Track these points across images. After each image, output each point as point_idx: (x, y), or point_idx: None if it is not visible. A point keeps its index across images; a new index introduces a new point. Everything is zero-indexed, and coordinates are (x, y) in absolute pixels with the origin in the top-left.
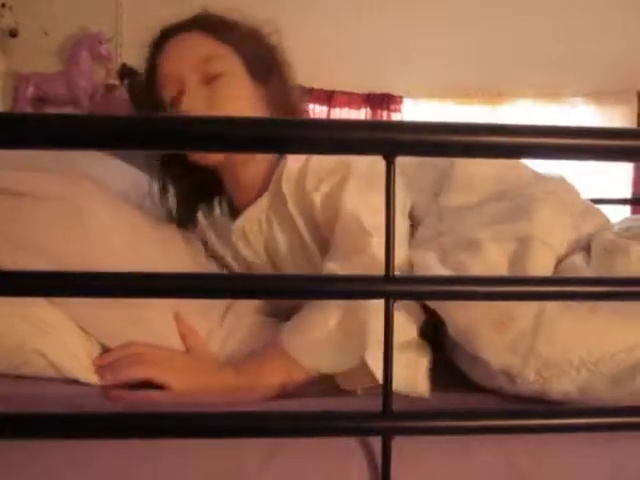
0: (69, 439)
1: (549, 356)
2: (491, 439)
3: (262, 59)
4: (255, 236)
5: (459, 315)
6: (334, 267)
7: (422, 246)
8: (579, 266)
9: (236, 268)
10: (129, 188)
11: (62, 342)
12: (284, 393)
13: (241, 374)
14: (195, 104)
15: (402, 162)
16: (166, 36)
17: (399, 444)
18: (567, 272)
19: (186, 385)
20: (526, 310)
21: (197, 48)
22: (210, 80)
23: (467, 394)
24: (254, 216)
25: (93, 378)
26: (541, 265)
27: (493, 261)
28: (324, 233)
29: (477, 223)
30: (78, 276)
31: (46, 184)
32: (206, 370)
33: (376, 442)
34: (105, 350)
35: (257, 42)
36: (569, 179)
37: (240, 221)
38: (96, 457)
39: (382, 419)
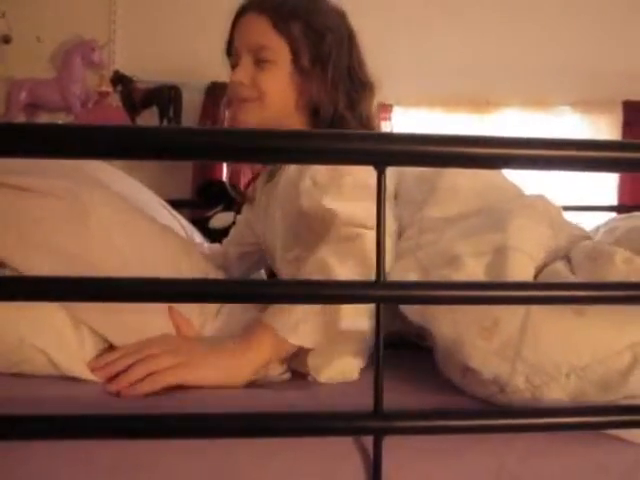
0: (69, 439)
1: (536, 362)
2: (482, 439)
3: (312, 54)
4: (262, 207)
5: (446, 326)
6: (324, 254)
7: (400, 261)
8: (562, 273)
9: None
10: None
11: (61, 339)
12: (267, 366)
13: (236, 342)
14: (242, 77)
15: (402, 172)
16: (243, 10)
17: (390, 443)
18: (550, 279)
19: (192, 366)
20: (511, 315)
21: (258, 34)
22: (259, 63)
23: (458, 394)
24: (268, 189)
25: (92, 375)
26: (519, 272)
27: (474, 274)
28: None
29: (456, 237)
30: (82, 281)
31: (53, 184)
32: (207, 345)
33: (368, 441)
34: (103, 350)
35: (313, 37)
36: (553, 193)
37: (267, 186)
38: (94, 456)
39: (374, 419)
